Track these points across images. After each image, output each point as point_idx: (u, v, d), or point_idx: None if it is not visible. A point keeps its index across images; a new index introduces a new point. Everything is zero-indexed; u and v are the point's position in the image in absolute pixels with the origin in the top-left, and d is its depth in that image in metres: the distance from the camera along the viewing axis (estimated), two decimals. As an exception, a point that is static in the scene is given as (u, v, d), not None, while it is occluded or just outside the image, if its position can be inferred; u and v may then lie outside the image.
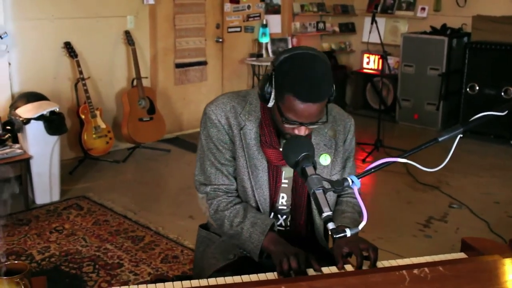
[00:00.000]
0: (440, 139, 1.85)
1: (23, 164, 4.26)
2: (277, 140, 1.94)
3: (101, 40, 5.52)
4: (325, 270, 1.76)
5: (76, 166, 5.18)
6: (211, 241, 2.13)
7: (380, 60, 6.33)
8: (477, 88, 6.45)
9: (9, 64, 4.91)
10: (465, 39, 6.83)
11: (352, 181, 1.65)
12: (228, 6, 6.64)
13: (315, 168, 1.69)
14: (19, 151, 4.26)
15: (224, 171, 2.00)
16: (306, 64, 1.76)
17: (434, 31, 7.02)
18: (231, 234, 1.98)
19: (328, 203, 1.60)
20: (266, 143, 1.95)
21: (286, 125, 1.82)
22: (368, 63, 7.76)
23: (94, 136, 5.21)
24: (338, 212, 2.06)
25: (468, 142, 6.42)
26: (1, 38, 4.74)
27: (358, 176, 1.67)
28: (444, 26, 7.04)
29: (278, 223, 2.07)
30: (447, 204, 4.62)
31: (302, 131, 1.83)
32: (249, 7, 6.87)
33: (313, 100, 1.74)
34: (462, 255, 1.94)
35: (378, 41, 5.87)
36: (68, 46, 5.18)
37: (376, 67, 7.60)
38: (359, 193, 2.06)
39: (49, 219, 4.14)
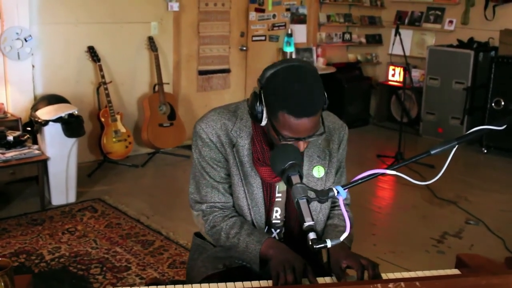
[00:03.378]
0: (432, 152, 1.81)
1: (40, 165, 4.33)
2: (269, 157, 1.87)
3: (124, 46, 5.60)
4: (320, 280, 1.74)
5: (95, 169, 5.25)
6: (204, 249, 2.12)
7: (403, 73, 6.28)
8: (503, 103, 6.32)
9: (33, 66, 5.02)
10: (492, 53, 6.71)
11: (338, 192, 1.64)
12: (253, 15, 6.66)
13: (301, 177, 1.67)
14: (36, 152, 4.33)
15: (220, 188, 1.97)
16: (294, 78, 1.72)
17: (460, 44, 6.92)
18: (228, 246, 1.95)
19: (310, 213, 1.58)
20: (259, 160, 1.91)
21: (283, 142, 1.77)
22: (393, 75, 7.70)
23: (114, 140, 5.27)
24: (332, 226, 2.03)
25: (492, 158, 6.32)
26: (26, 41, 4.85)
27: (344, 187, 1.65)
28: (471, 39, 6.95)
29: (272, 236, 2.05)
30: (463, 220, 4.53)
31: (300, 146, 1.79)
32: (274, 16, 6.89)
33: (307, 114, 1.70)
34: (455, 271, 1.90)
35: (405, 54, 5.82)
36: (91, 51, 5.26)
37: (401, 79, 7.52)
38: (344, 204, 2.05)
39: (63, 220, 4.20)
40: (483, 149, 6.49)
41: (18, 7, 4.80)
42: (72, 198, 4.55)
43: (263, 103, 1.77)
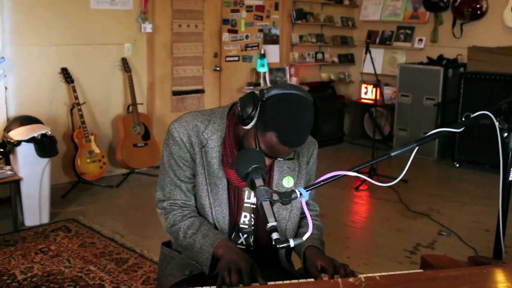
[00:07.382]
0: (392, 154, 1.88)
1: (13, 185, 4.30)
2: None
3: (98, 67, 5.62)
4: (278, 283, 1.77)
5: (70, 190, 5.22)
6: (172, 258, 2.14)
7: (374, 90, 6.40)
8: (473, 118, 6.44)
9: (6, 88, 5.01)
10: (461, 69, 6.87)
11: (300, 194, 1.68)
12: (226, 36, 6.74)
13: (264, 180, 1.71)
14: (9, 172, 4.31)
15: (183, 187, 2.03)
16: (296, 109, 1.80)
17: (430, 61, 7.08)
18: (185, 246, 1.99)
19: (274, 215, 1.62)
20: (228, 163, 1.97)
21: (248, 148, 1.86)
22: (366, 93, 7.82)
23: (88, 160, 5.26)
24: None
25: (464, 172, 6.43)
26: (-2, 63, 4.86)
27: (306, 189, 1.69)
28: (440, 56, 7.11)
29: (240, 241, 2.08)
30: (436, 232, 4.59)
31: (267, 161, 1.87)
32: (247, 37, 6.98)
33: (294, 146, 1.83)
34: (420, 271, 1.94)
35: (376, 72, 5.94)
36: (64, 72, 5.27)
37: (373, 97, 7.65)
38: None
39: (36, 241, 4.16)
40: (455, 163, 6.60)
41: (-10, 30, 4.82)
42: (45, 219, 4.52)
43: (257, 113, 1.82)
